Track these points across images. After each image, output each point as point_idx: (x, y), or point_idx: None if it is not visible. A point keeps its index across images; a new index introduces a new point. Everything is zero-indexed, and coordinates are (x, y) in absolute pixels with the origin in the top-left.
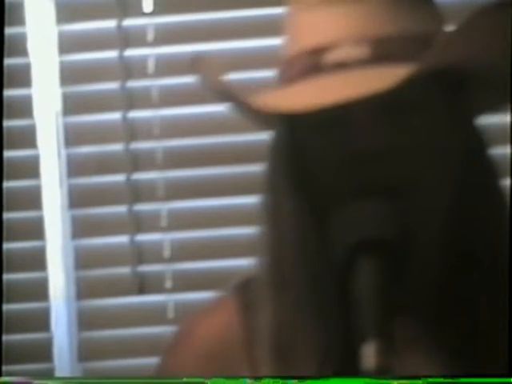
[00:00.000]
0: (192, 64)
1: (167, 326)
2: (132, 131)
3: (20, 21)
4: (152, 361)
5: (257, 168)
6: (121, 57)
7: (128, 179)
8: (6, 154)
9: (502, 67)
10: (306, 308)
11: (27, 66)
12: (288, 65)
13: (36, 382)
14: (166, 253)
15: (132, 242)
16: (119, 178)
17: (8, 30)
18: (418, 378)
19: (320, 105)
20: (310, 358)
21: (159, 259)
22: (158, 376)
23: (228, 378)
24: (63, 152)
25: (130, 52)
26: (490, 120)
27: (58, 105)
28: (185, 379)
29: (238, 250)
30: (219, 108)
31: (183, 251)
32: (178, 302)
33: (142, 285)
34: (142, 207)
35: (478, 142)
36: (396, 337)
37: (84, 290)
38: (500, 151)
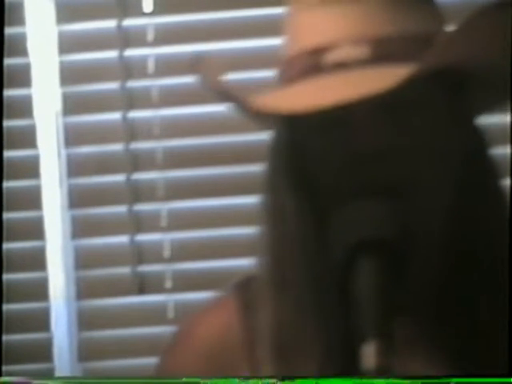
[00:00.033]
0: (192, 64)
1: (167, 325)
2: (132, 131)
3: (20, 21)
4: (152, 361)
5: (257, 168)
6: (121, 57)
7: (128, 179)
8: (6, 154)
9: (502, 67)
10: (306, 308)
11: (27, 66)
12: (288, 65)
13: (36, 381)
14: (166, 253)
15: (132, 242)
16: (119, 177)
17: (8, 30)
18: (417, 378)
19: (320, 106)
20: (310, 358)
21: (159, 259)
22: (158, 376)
23: (228, 378)
24: (63, 152)
25: (130, 52)
26: (489, 120)
27: (58, 105)
28: (184, 379)
29: (238, 250)
30: (219, 108)
31: (183, 251)
32: (177, 302)
33: (142, 285)
34: (142, 207)
35: (478, 142)
36: (396, 337)
37: (84, 290)
38: (500, 151)
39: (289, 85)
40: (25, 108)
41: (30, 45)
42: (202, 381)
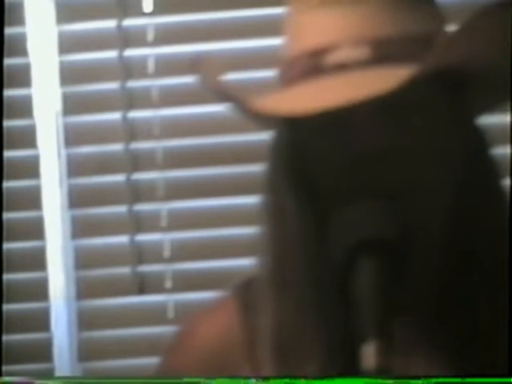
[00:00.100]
0: (192, 65)
1: (167, 325)
2: (132, 131)
3: (20, 21)
4: (152, 361)
5: (257, 168)
6: (121, 57)
7: (128, 179)
8: (6, 154)
9: (502, 67)
10: (306, 308)
11: (27, 66)
12: (288, 66)
13: (37, 382)
14: (166, 253)
15: (132, 242)
16: (119, 177)
17: (8, 30)
18: (417, 378)
19: (321, 108)
20: (310, 358)
21: (159, 259)
22: (158, 376)
23: (228, 378)
24: (63, 152)
25: (130, 52)
26: (490, 120)
27: (58, 105)
28: (185, 379)
29: (238, 250)
30: (219, 108)
31: (183, 251)
32: (178, 302)
33: (142, 285)
34: (142, 207)
35: (479, 142)
36: (396, 337)
37: (84, 290)
38: (500, 151)
39: (289, 86)
40: (25, 108)
41: (30, 45)
42: (203, 381)
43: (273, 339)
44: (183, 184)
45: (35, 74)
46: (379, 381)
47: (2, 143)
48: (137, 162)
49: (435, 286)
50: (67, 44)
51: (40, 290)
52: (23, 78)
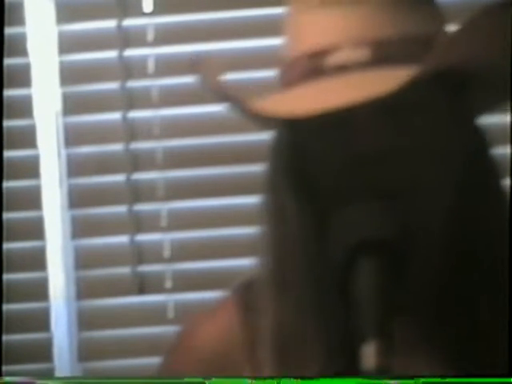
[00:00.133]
0: (191, 66)
1: (167, 325)
2: (132, 131)
3: (20, 21)
4: (152, 361)
5: (257, 168)
6: (121, 57)
7: (128, 179)
8: (6, 154)
9: (503, 67)
10: (307, 308)
11: (27, 66)
12: (288, 67)
13: (37, 382)
14: (166, 253)
15: (132, 242)
16: (119, 177)
17: (8, 30)
18: (417, 377)
19: (321, 110)
20: (310, 358)
21: (159, 259)
22: (159, 376)
23: (229, 378)
24: (63, 152)
25: (130, 52)
26: (490, 120)
27: (58, 105)
28: (185, 379)
29: (238, 250)
30: (219, 108)
31: (183, 251)
32: (177, 302)
33: (142, 285)
34: (142, 207)
35: (479, 143)
36: (396, 337)
37: (84, 290)
38: (500, 151)
39: (289, 87)
40: (25, 108)
41: (30, 45)
42: (203, 381)
43: (273, 339)
44: (183, 184)
45: (35, 74)
46: (379, 381)
47: (2, 143)
48: (137, 161)
49: (435, 286)
50: (67, 44)
51: (40, 290)
52: (23, 78)
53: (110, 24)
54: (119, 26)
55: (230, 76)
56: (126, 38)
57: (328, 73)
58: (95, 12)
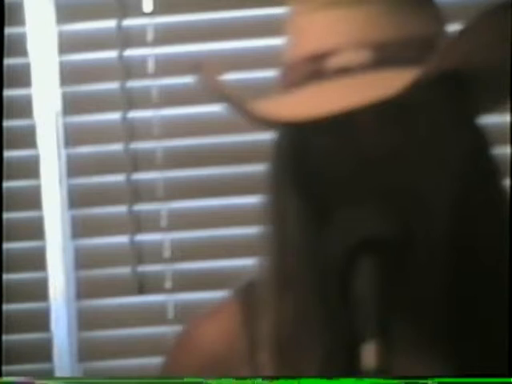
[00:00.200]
0: (192, 69)
1: (167, 326)
2: (132, 131)
3: (20, 21)
4: (152, 361)
5: (257, 168)
6: (121, 57)
7: (128, 179)
8: (6, 154)
9: (504, 67)
10: (307, 309)
11: (27, 66)
12: (289, 69)
13: (37, 382)
14: (166, 253)
15: (132, 242)
16: (119, 178)
17: (8, 30)
18: (417, 378)
19: (323, 114)
20: (311, 359)
21: (159, 259)
22: (159, 376)
23: (229, 378)
24: (63, 152)
25: (130, 52)
26: (490, 120)
27: (58, 105)
28: (185, 379)
29: (238, 250)
30: (219, 108)
31: (183, 251)
32: (177, 302)
33: (142, 285)
34: (142, 207)
35: (480, 143)
36: (396, 337)
37: (84, 289)
38: (500, 151)
39: (290, 89)
40: (25, 108)
41: (30, 45)
42: (203, 381)
43: (273, 340)
44: (183, 184)
45: (35, 74)
46: (379, 381)
47: (2, 143)
48: (137, 162)
49: (435, 285)
50: (67, 44)
51: (40, 290)
52: (23, 78)
53: (109, 24)
54: (119, 26)
55: (230, 76)
56: (126, 38)
57: (330, 75)
58: (95, 12)
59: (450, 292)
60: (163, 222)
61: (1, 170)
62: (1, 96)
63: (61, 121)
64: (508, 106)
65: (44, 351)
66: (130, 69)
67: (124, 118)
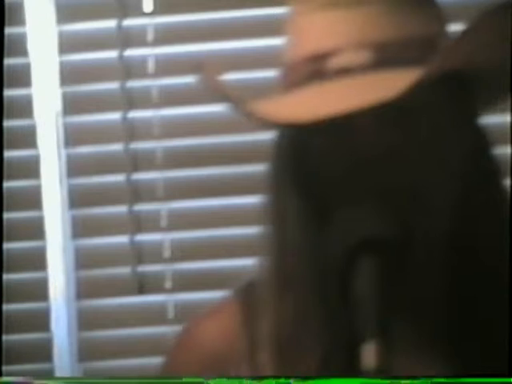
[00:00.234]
0: (192, 69)
1: (167, 326)
2: (132, 131)
3: (20, 21)
4: (152, 361)
5: (257, 168)
6: (121, 57)
7: (128, 179)
8: (6, 153)
9: (504, 67)
10: (307, 309)
11: (27, 66)
12: (290, 70)
13: (36, 382)
14: (166, 253)
15: (132, 242)
16: (119, 178)
17: (8, 30)
18: (417, 378)
19: (323, 115)
20: (310, 358)
21: (159, 259)
22: (158, 376)
23: (229, 378)
24: (63, 152)
25: (130, 52)
26: (490, 120)
27: (58, 105)
28: (185, 379)
29: (238, 250)
30: (219, 108)
31: (183, 251)
32: (177, 302)
33: (142, 285)
34: (142, 207)
35: (481, 143)
36: (396, 337)
37: (84, 289)
38: (500, 151)
39: (291, 90)
40: (25, 108)
41: (30, 45)
42: (203, 381)
43: (273, 340)
44: (183, 184)
45: (35, 74)
46: (379, 381)
47: (2, 143)
48: (137, 162)
49: (435, 285)
50: (67, 44)
51: (40, 290)
52: (23, 78)
53: (110, 24)
54: (119, 26)
55: (231, 76)
56: (126, 38)
57: (330, 76)
58: (95, 12)
59: (451, 292)
60: (163, 222)
61: (1, 170)
62: (1, 96)
63: (61, 121)
64: (508, 105)
65: (44, 351)
66: (130, 69)
67: (124, 118)
